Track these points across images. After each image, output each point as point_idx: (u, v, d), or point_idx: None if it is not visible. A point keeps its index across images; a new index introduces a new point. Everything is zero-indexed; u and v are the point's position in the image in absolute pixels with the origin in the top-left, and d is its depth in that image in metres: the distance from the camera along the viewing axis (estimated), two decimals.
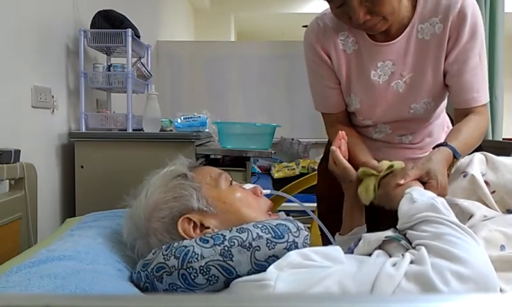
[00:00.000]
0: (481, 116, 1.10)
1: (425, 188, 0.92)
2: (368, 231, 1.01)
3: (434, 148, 1.02)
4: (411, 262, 0.68)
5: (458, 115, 1.12)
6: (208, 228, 0.84)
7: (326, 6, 1.05)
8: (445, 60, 1.08)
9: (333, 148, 1.05)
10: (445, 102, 1.24)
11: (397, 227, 0.82)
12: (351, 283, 0.65)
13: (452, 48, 1.06)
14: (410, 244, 0.77)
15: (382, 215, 1.03)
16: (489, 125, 2.54)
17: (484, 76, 1.10)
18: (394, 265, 0.68)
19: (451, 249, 0.67)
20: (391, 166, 0.97)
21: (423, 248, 0.69)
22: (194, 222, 0.84)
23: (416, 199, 0.82)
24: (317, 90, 1.23)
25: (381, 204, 0.98)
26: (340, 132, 1.09)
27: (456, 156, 1.00)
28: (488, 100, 1.11)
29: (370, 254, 0.78)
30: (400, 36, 1.08)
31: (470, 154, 1.07)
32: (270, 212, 0.93)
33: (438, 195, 0.88)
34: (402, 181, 0.91)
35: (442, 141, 1.06)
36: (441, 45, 1.07)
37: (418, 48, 1.09)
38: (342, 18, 1.02)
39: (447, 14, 1.04)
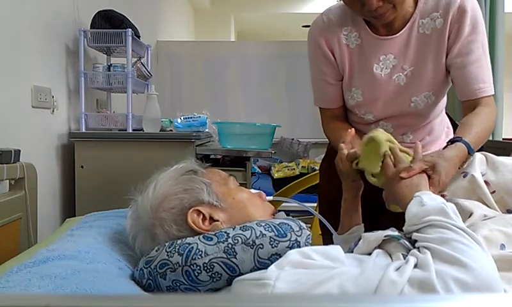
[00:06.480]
0: (489, 107, 1.10)
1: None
2: (367, 230, 1.01)
3: (448, 143, 1.01)
4: (415, 266, 0.68)
5: (466, 108, 1.12)
6: (218, 220, 0.85)
7: (327, 5, 1.05)
8: (448, 54, 1.10)
9: (342, 145, 1.05)
10: (445, 100, 1.24)
11: (403, 229, 0.81)
12: (352, 288, 0.65)
13: (454, 42, 1.09)
14: (411, 243, 0.77)
15: (382, 214, 1.03)
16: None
17: (488, 68, 1.11)
18: (397, 269, 0.67)
19: (457, 256, 0.66)
20: (371, 139, 0.97)
21: (428, 252, 0.69)
22: (203, 215, 0.84)
23: (426, 202, 0.81)
24: (317, 85, 1.25)
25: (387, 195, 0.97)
26: (349, 130, 1.09)
27: (470, 152, 1.00)
28: (493, 92, 1.12)
29: (369, 253, 0.78)
30: (402, 31, 1.11)
31: None
32: (273, 216, 0.94)
33: (435, 191, 0.88)
34: (405, 176, 0.91)
35: (442, 140, 1.05)
36: (442, 39, 1.09)
37: (419, 42, 1.11)
38: (354, 6, 1.04)
39: (447, 9, 1.08)
